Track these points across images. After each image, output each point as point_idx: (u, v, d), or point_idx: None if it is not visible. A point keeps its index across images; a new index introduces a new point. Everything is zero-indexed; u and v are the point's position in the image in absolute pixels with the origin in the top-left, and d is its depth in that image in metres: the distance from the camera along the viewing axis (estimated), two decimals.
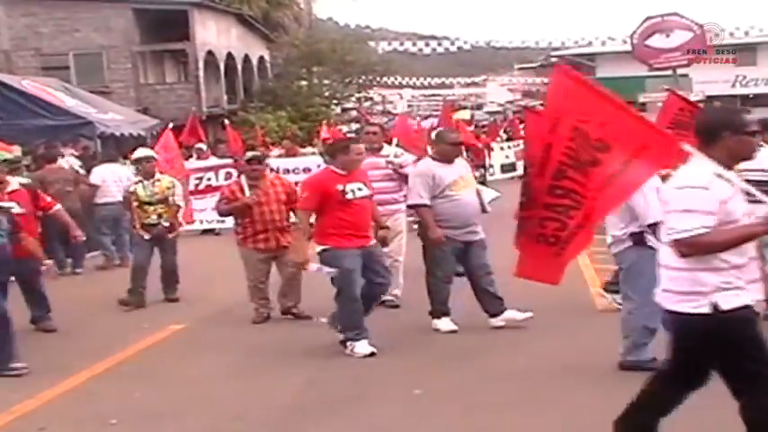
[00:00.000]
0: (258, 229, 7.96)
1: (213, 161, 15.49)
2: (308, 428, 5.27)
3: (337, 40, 39.70)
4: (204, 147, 17.27)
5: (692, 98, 19.16)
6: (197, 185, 14.49)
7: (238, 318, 8.18)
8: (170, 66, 32.07)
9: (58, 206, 8.35)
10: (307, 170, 12.79)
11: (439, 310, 7.40)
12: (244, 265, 8.13)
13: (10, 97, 14.76)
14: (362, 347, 6.64)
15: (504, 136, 26.71)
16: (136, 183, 9.26)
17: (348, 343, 6.71)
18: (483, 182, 15.53)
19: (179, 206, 9.42)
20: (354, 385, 5.98)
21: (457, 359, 6.48)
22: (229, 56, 32.52)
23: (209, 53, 30.44)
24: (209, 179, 14.57)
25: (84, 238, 8.81)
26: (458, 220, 7.27)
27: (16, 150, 13.14)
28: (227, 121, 19.32)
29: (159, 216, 9.08)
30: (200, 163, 15.44)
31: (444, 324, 7.34)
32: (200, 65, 29.41)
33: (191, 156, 16.51)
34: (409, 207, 7.76)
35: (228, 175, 14.43)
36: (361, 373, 6.23)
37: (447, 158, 7.40)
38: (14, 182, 8.06)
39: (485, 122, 38.82)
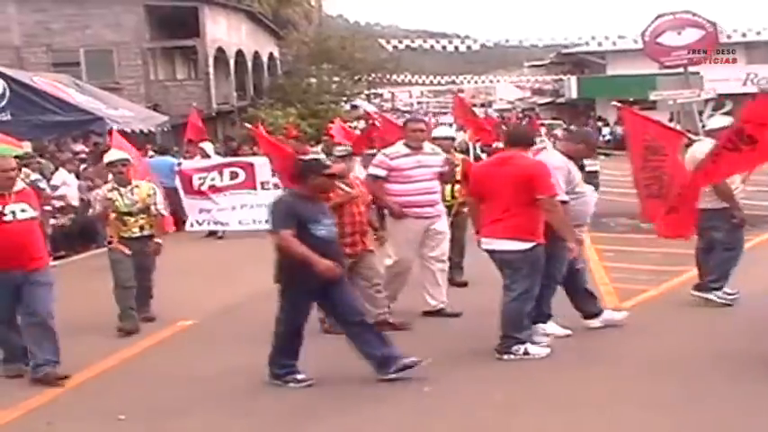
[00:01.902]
0: (347, 231, 7.07)
1: (216, 160, 14.78)
2: (317, 425, 5.26)
3: (347, 37, 39.74)
4: (208, 146, 16.21)
5: (704, 96, 19.16)
6: (200, 186, 13.69)
7: (247, 314, 8.15)
8: (180, 62, 32.13)
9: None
10: None
11: (546, 314, 6.86)
12: None
13: (21, 93, 14.82)
14: (538, 349, 6.39)
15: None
16: (110, 190, 8.08)
17: (516, 347, 6.33)
18: None
19: (163, 215, 8.41)
20: (364, 383, 5.95)
21: (466, 357, 6.44)
22: (239, 53, 32.55)
23: (220, 50, 30.46)
24: (212, 179, 13.74)
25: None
26: (584, 216, 6.88)
27: (27, 146, 13.20)
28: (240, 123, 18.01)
29: (141, 228, 8.06)
30: (203, 162, 14.60)
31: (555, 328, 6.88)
32: (210, 62, 29.43)
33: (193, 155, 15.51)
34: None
35: (234, 175, 13.79)
36: (370, 371, 6.20)
37: (577, 157, 6.96)
38: (19, 181, 6.96)
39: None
